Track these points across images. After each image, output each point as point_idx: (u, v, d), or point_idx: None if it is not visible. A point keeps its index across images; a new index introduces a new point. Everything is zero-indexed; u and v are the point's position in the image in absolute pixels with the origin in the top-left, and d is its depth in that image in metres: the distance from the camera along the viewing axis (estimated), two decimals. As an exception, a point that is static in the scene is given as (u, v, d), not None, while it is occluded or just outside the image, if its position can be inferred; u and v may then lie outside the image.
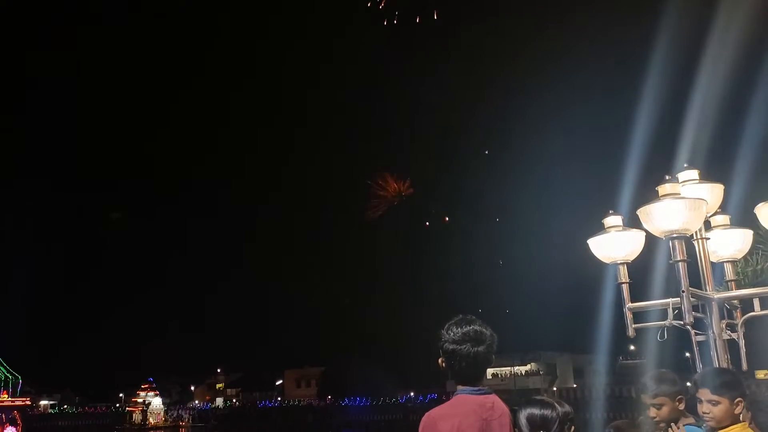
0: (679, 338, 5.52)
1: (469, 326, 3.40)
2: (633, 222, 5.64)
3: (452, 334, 3.40)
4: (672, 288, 5.26)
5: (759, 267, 7.61)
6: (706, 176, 5.88)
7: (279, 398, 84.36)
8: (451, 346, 3.39)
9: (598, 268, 6.13)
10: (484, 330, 3.42)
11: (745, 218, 6.12)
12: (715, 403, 4.01)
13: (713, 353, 5.30)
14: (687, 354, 5.62)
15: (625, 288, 5.76)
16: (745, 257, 6.67)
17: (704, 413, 4.06)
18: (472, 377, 3.41)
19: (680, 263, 5.06)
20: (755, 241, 6.35)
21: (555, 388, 62.75)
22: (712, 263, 5.82)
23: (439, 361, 3.46)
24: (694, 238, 5.56)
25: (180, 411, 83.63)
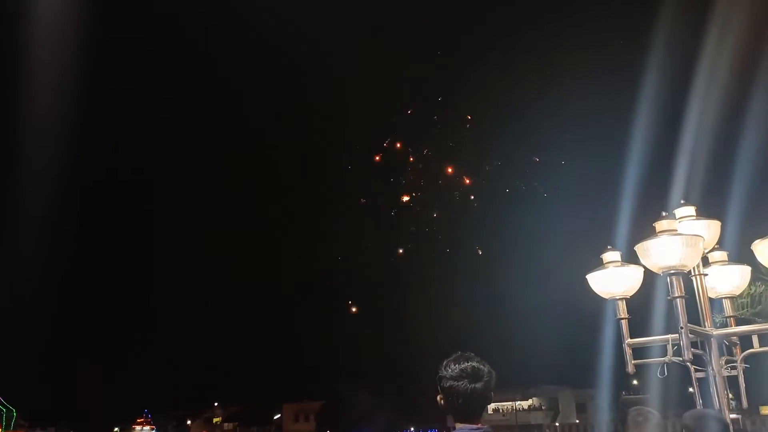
0: (683, 373, 5.51)
1: (467, 363, 3.42)
2: (631, 258, 5.67)
3: (450, 370, 3.42)
4: (673, 324, 5.27)
5: (755, 292, 7.61)
6: (703, 213, 5.94)
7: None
8: (448, 383, 3.40)
9: (598, 302, 6.15)
10: (481, 367, 3.43)
11: (742, 254, 6.16)
12: None
13: (713, 390, 5.28)
14: (690, 389, 5.60)
15: (624, 324, 5.76)
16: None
17: None
18: (470, 414, 3.41)
19: (678, 299, 5.08)
20: (753, 275, 6.37)
21: (557, 424, 61.87)
22: (711, 299, 5.84)
23: (438, 398, 3.47)
24: (692, 274, 5.59)
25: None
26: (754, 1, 13.51)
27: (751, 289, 7.29)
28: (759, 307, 7.44)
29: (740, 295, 7.11)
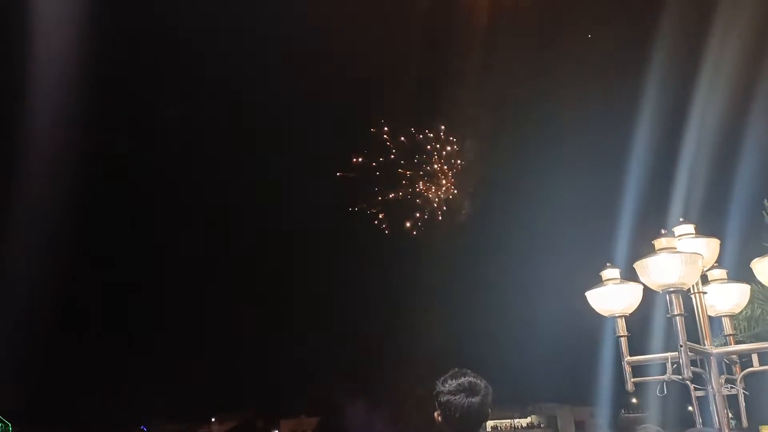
0: (683, 391, 5.49)
1: (464, 378, 3.45)
2: (631, 275, 5.67)
3: (447, 385, 3.45)
4: (672, 342, 5.26)
5: (753, 314, 7.59)
6: (702, 230, 5.95)
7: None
8: (445, 397, 3.42)
9: (597, 320, 6.15)
10: (478, 382, 3.46)
11: (740, 272, 6.16)
12: None
13: (713, 409, 5.26)
14: (690, 408, 5.58)
15: (623, 341, 5.75)
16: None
17: None
18: (468, 430, 3.41)
19: (678, 317, 5.08)
20: (752, 293, 6.37)
21: (556, 442, 61.40)
22: (710, 317, 5.83)
23: (435, 414, 3.48)
24: (692, 292, 5.59)
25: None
26: (751, 24, 13.64)
27: (747, 312, 7.29)
28: (757, 329, 7.43)
29: (738, 318, 7.11)
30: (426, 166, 23.77)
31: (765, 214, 7.86)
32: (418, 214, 23.96)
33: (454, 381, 3.46)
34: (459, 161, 23.48)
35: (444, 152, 23.53)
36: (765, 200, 7.97)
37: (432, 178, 23.70)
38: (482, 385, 3.47)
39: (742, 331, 7.22)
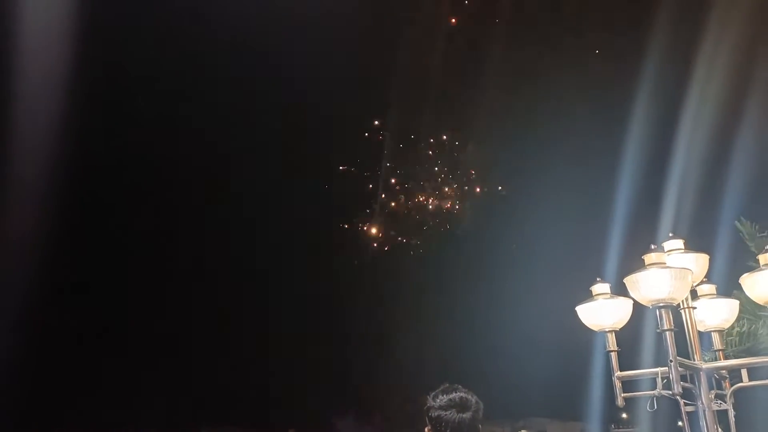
0: (673, 406, 5.50)
1: (455, 393, 3.45)
2: (621, 290, 5.69)
3: (438, 400, 3.45)
4: (662, 356, 5.27)
5: (744, 330, 7.64)
6: (692, 246, 5.99)
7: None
8: (436, 413, 3.42)
9: (588, 334, 6.16)
10: (469, 397, 3.46)
11: (729, 287, 6.20)
12: None
13: (702, 424, 5.27)
14: (680, 423, 5.58)
15: (613, 356, 5.76)
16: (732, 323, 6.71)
17: None
18: (458, 445, 3.40)
19: (667, 332, 5.09)
20: (741, 309, 6.41)
21: (546, 457, 61.13)
22: (700, 333, 5.86)
23: (426, 430, 3.47)
24: (681, 307, 5.61)
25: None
26: (739, 47, 13.83)
27: (741, 327, 7.34)
28: (747, 344, 7.47)
29: (729, 333, 7.15)
30: (423, 179, 23.73)
31: (741, 234, 7.94)
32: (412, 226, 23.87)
33: (444, 396, 3.45)
34: (458, 175, 23.48)
35: (444, 166, 23.50)
36: (736, 221, 8.05)
37: (429, 189, 23.65)
38: (473, 400, 3.47)
39: (734, 346, 7.26)
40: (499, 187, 22.24)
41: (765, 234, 7.73)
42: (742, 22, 13.84)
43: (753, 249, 7.54)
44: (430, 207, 23.24)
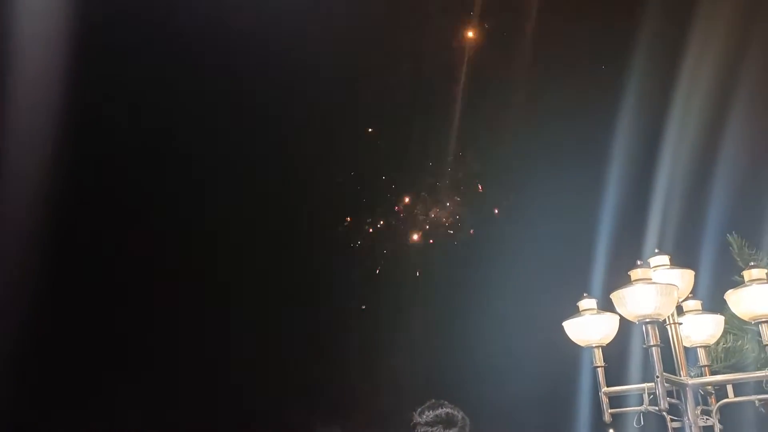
0: (660, 422, 5.50)
1: (441, 409, 3.45)
2: (608, 306, 5.71)
3: (424, 416, 3.45)
4: (649, 372, 5.29)
5: (730, 346, 7.68)
6: (677, 262, 6.03)
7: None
8: (423, 429, 3.42)
9: (575, 350, 6.16)
10: (455, 413, 3.46)
11: (714, 303, 6.24)
12: None
13: (689, 440, 5.28)
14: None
15: (600, 372, 5.76)
16: (717, 338, 6.76)
17: None
18: (444, 461, 3.39)
19: (654, 348, 5.11)
20: (727, 325, 6.45)
21: (533, 474, 60.92)
22: (686, 348, 5.88)
23: (412, 445, 3.45)
24: (667, 323, 5.63)
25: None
26: (724, 57, 14.05)
27: (727, 342, 7.38)
28: (733, 360, 7.51)
29: (715, 349, 7.19)
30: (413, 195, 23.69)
31: (731, 248, 8.01)
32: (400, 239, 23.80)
33: (431, 412, 3.45)
34: (448, 192, 23.49)
35: (436, 182, 23.49)
36: (727, 234, 8.13)
37: (420, 204, 23.61)
38: (459, 416, 3.47)
39: (719, 362, 7.29)
40: (495, 210, 22.26)
41: (754, 251, 7.82)
42: (725, 39, 14.06)
43: (740, 264, 7.61)
44: (424, 224, 23.23)
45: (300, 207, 21.83)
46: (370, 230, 23.52)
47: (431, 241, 23.60)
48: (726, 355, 7.56)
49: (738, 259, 7.75)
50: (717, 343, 7.20)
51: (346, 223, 23.01)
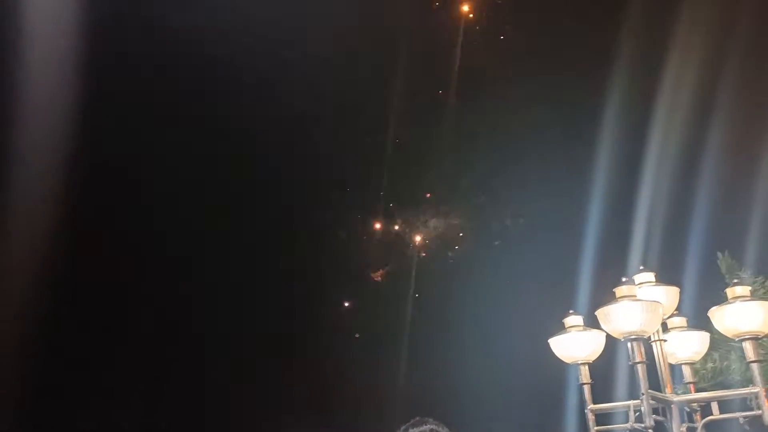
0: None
1: (425, 426, 3.44)
2: (594, 323, 5.71)
3: (409, 434, 3.42)
4: (635, 389, 5.28)
5: (716, 366, 7.72)
6: (662, 278, 6.06)
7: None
8: (407, 446, 3.39)
9: (561, 367, 6.15)
10: (440, 430, 3.44)
11: (699, 320, 6.26)
12: None
13: (675, 457, 5.27)
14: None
15: (586, 389, 5.76)
16: (703, 357, 6.78)
17: None
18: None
19: (639, 365, 5.11)
20: (712, 342, 6.47)
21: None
22: (671, 365, 5.89)
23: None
24: (652, 339, 5.64)
25: None
26: (705, 74, 14.26)
27: (713, 362, 7.41)
28: (719, 378, 7.54)
29: (701, 368, 7.22)
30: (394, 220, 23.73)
31: (719, 267, 8.08)
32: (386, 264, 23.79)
33: (415, 429, 3.43)
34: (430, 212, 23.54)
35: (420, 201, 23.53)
36: (718, 253, 8.20)
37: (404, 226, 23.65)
38: None
39: (706, 380, 7.31)
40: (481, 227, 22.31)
41: (742, 271, 7.90)
42: (705, 57, 14.26)
43: (728, 282, 7.69)
44: (416, 239, 23.20)
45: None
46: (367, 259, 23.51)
47: (422, 254, 23.60)
48: (713, 374, 7.60)
49: (726, 276, 7.81)
50: (704, 362, 7.24)
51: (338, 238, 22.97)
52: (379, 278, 23.33)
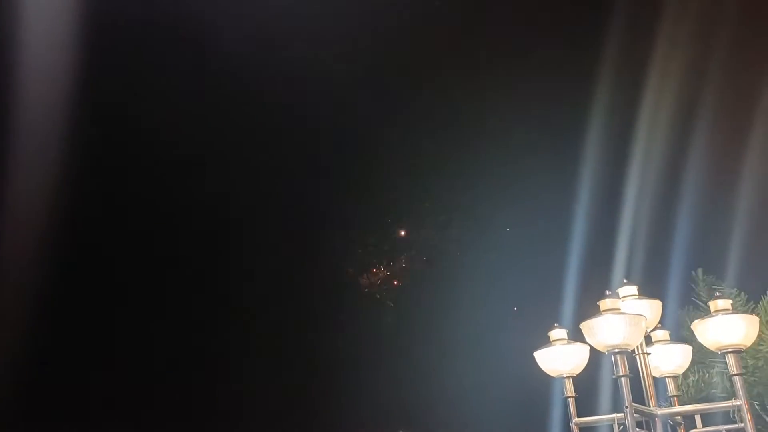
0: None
1: None
2: (578, 336, 5.72)
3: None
4: (620, 402, 5.29)
5: (698, 379, 7.76)
6: (646, 292, 6.08)
7: None
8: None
9: (546, 380, 6.14)
10: None
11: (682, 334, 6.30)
12: None
13: (659, 471, 5.27)
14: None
15: (571, 402, 5.76)
16: (686, 372, 6.82)
17: None
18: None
19: (623, 378, 5.12)
20: (696, 356, 6.50)
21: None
22: (655, 378, 5.91)
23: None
24: (636, 353, 5.66)
25: None
26: (686, 91, 14.45)
27: (695, 376, 7.45)
28: (703, 393, 7.58)
29: (684, 384, 7.25)
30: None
31: (695, 286, 8.16)
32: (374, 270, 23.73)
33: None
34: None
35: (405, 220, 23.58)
36: (693, 272, 8.29)
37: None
38: None
39: (690, 396, 7.34)
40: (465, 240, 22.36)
41: (720, 285, 7.98)
42: (684, 77, 14.46)
43: (704, 299, 7.78)
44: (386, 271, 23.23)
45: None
46: (350, 270, 23.46)
47: (404, 265, 23.57)
48: (696, 389, 7.64)
49: (702, 294, 7.90)
50: (686, 376, 7.28)
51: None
52: (365, 287, 23.28)
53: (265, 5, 17.13)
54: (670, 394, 6.19)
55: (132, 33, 17.00)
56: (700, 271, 8.31)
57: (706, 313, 5.77)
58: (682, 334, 6.97)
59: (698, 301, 8.06)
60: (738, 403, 5.26)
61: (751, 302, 7.71)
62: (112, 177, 18.79)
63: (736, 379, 5.27)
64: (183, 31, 16.84)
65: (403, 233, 22.91)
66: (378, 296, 22.76)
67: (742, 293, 7.83)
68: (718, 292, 6.30)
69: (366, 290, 22.68)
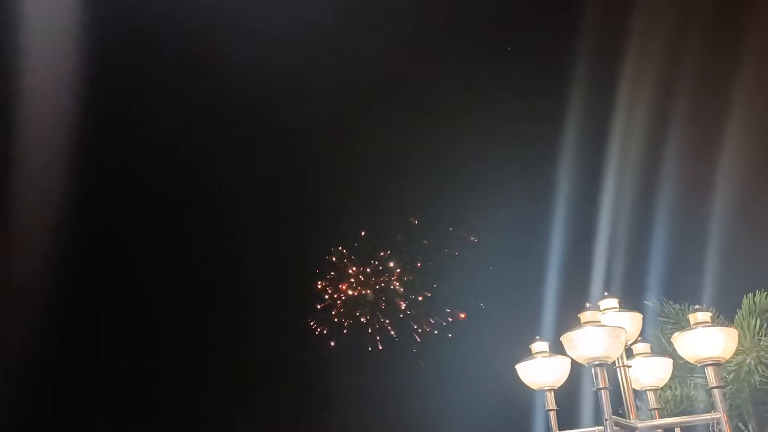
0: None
1: None
2: (559, 349, 5.71)
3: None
4: (600, 414, 5.28)
5: (678, 393, 7.78)
6: (629, 305, 6.10)
7: None
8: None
9: (528, 393, 6.13)
10: None
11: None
12: None
13: (639, 484, 5.26)
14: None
15: (552, 415, 5.75)
16: (667, 384, 6.83)
17: None
18: None
19: (603, 390, 5.11)
20: (675, 368, 6.52)
21: None
22: (635, 391, 5.91)
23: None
24: (617, 365, 5.66)
25: None
26: (660, 109, 14.63)
27: (675, 390, 7.47)
28: (682, 407, 7.60)
29: (664, 397, 7.27)
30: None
31: (659, 311, 8.24)
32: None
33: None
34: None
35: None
36: (654, 299, 8.36)
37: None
38: None
39: (670, 410, 7.35)
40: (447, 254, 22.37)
41: (681, 306, 8.08)
42: (659, 93, 14.62)
43: (667, 320, 7.91)
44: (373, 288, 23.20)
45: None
46: (330, 291, 23.39)
47: (381, 284, 23.59)
48: (675, 402, 7.66)
49: (661, 318, 7.99)
50: (665, 389, 7.29)
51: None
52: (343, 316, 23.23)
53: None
54: (650, 407, 6.19)
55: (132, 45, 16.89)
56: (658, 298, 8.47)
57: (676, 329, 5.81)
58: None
59: (668, 319, 8.16)
60: (717, 416, 5.27)
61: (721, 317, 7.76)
62: (112, 178, 18.57)
63: (716, 391, 5.29)
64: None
65: (382, 254, 22.90)
66: (365, 321, 22.75)
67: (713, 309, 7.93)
68: (681, 314, 6.33)
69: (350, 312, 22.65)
